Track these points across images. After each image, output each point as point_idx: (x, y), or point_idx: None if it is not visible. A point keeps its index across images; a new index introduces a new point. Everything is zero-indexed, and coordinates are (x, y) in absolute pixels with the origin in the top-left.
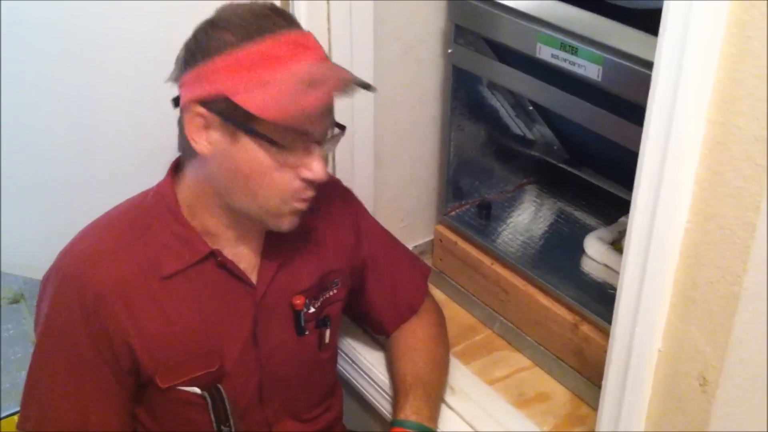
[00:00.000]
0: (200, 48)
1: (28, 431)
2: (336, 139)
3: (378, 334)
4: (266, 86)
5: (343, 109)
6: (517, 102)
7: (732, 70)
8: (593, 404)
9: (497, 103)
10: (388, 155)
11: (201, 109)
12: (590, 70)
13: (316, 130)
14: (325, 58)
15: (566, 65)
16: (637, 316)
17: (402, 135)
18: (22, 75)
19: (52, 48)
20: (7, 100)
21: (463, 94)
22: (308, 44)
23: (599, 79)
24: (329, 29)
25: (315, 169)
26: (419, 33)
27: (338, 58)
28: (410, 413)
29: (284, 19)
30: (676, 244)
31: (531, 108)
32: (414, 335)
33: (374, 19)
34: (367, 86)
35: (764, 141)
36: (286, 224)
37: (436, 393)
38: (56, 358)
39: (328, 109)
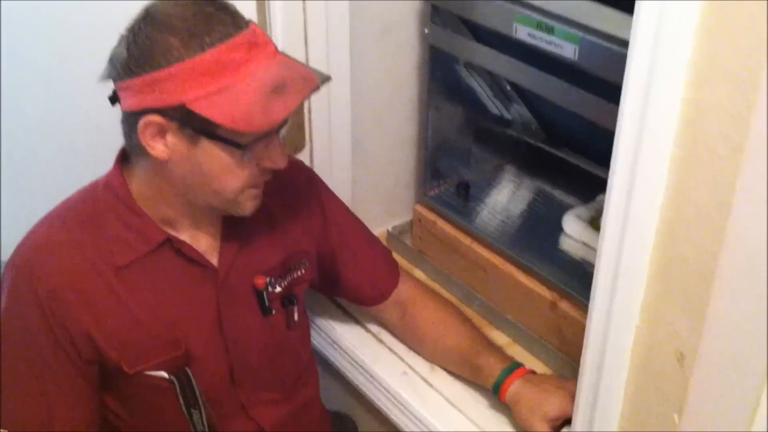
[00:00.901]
0: (146, 54)
1: None
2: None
3: (358, 305)
4: (228, 94)
5: (321, 92)
6: (495, 82)
7: (707, 49)
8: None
9: (474, 83)
10: (366, 137)
11: (156, 118)
12: (567, 50)
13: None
14: (277, 52)
15: (543, 44)
16: (615, 293)
17: (379, 116)
18: (19, 72)
19: (51, 46)
20: (5, 97)
21: (441, 75)
22: (259, 41)
23: (576, 59)
24: (304, 9)
25: (276, 159)
26: (396, 14)
27: (314, 40)
28: (499, 363)
29: (227, 14)
30: (652, 221)
31: (508, 88)
32: (429, 309)
33: (350, 1)
34: (327, 78)
35: (739, 119)
36: (249, 209)
37: (489, 339)
38: (16, 354)
39: None
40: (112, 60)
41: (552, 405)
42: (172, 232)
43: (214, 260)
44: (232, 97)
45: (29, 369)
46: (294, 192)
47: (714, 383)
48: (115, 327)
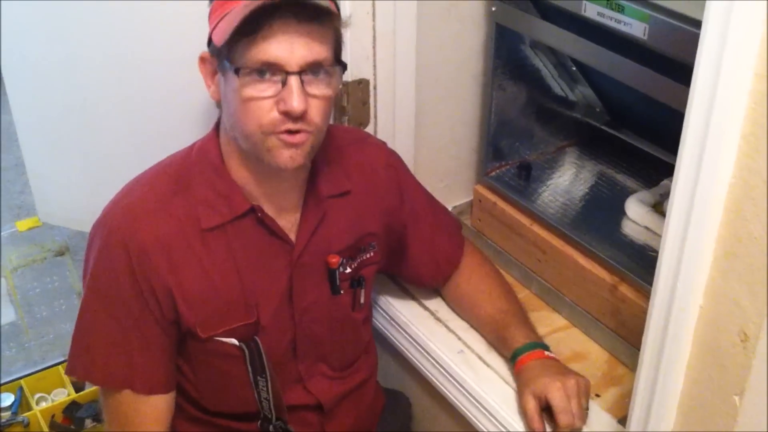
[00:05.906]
0: None
1: (77, 379)
2: (330, 76)
3: (418, 287)
4: (228, 17)
5: (385, 67)
6: (560, 62)
7: None
8: (630, 365)
9: (539, 62)
10: (428, 114)
11: (206, 53)
12: (636, 28)
13: (285, 59)
14: None
15: (612, 23)
16: (679, 272)
17: (443, 94)
18: (64, 24)
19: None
20: (52, 52)
21: (506, 53)
22: None
23: (645, 38)
24: None
25: (287, 99)
26: None
27: (382, 15)
28: (522, 339)
29: None
30: (720, 199)
31: (573, 68)
32: (474, 278)
33: None
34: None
35: None
36: (282, 159)
37: (526, 316)
38: (102, 307)
39: (296, 38)
40: None
41: (539, 384)
42: (256, 204)
43: (292, 235)
44: (229, 18)
45: (114, 322)
46: (373, 174)
47: None
48: (195, 289)
